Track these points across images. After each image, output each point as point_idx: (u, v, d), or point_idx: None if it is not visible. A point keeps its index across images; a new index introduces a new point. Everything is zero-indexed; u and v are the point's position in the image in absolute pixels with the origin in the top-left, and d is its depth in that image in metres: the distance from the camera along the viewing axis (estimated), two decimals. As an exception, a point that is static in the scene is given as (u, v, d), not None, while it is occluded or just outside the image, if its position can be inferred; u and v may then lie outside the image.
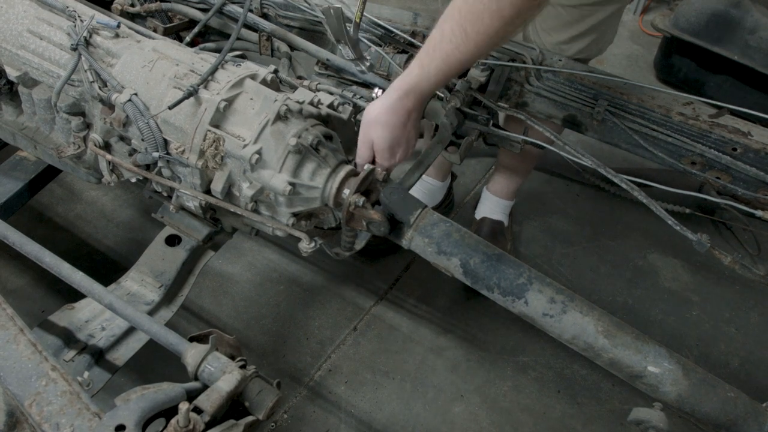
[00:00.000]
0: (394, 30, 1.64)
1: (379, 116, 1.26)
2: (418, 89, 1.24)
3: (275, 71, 1.38)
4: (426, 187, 2.26)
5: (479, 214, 2.24)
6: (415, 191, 1.91)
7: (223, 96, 1.26)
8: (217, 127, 1.27)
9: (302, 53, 1.69)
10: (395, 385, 1.89)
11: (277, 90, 1.35)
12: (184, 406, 0.91)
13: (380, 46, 1.65)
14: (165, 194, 1.46)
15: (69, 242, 2.14)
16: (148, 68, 1.33)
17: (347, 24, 1.36)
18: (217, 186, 1.29)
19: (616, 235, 2.39)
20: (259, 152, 1.22)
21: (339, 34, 1.36)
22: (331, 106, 1.37)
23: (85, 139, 1.43)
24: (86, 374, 1.12)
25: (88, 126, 1.43)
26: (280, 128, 1.25)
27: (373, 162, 1.33)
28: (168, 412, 0.97)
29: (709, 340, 2.09)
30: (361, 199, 1.23)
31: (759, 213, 1.39)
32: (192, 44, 1.66)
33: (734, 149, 1.49)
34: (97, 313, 1.37)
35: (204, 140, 1.26)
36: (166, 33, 1.71)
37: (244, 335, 1.96)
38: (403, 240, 1.25)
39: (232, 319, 2.01)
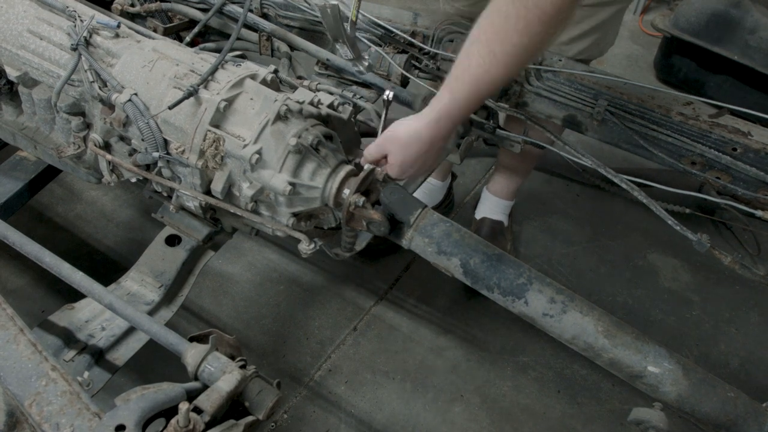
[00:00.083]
0: (394, 30, 1.64)
1: (403, 137, 1.22)
2: (449, 116, 1.20)
3: (275, 71, 1.38)
4: (426, 187, 2.25)
5: (479, 214, 2.24)
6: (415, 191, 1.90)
7: (223, 96, 1.26)
8: (217, 127, 1.27)
9: (302, 53, 1.69)
10: (395, 385, 1.89)
11: (277, 90, 1.35)
12: (184, 406, 0.91)
13: (380, 46, 1.65)
14: (165, 194, 1.46)
15: (69, 242, 2.14)
16: (148, 68, 1.33)
17: (344, 22, 1.36)
18: (217, 186, 1.29)
19: (616, 235, 2.39)
20: (259, 152, 1.22)
21: (336, 32, 1.36)
22: (331, 106, 1.36)
23: (85, 139, 1.43)
24: (86, 374, 1.12)
25: (88, 126, 1.43)
26: (280, 128, 1.25)
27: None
28: (168, 412, 0.97)
29: (709, 340, 2.09)
30: (361, 199, 1.23)
31: (759, 213, 1.40)
32: (192, 44, 1.66)
33: (734, 149, 1.50)
34: (97, 313, 1.37)
35: (204, 140, 1.26)
36: (166, 33, 1.71)
37: (244, 335, 1.95)
38: (403, 240, 1.25)
39: (232, 319, 2.01)
